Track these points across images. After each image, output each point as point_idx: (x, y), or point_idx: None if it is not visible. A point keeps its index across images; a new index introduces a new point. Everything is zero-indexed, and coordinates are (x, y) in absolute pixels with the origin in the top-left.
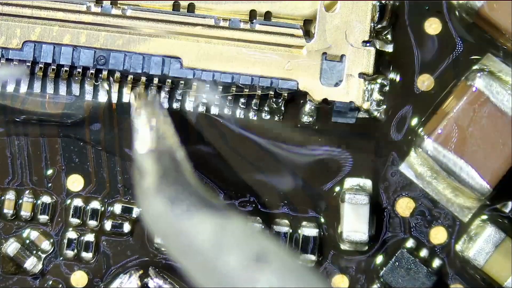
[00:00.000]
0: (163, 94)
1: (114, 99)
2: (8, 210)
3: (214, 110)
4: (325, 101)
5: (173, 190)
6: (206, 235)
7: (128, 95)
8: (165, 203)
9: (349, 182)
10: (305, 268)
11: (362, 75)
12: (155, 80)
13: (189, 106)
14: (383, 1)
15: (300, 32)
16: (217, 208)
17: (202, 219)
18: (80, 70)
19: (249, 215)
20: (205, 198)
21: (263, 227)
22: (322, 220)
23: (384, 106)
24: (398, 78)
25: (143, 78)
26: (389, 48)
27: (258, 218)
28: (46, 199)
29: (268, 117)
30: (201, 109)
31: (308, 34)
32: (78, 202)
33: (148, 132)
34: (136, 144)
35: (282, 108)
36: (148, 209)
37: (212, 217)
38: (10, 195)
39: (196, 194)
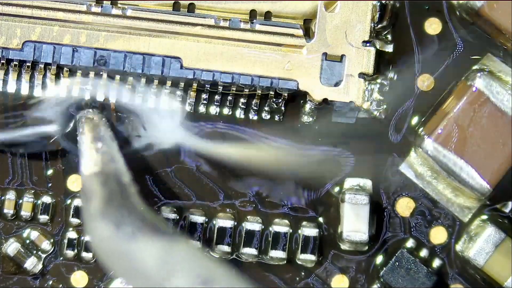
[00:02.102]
0: (163, 94)
1: (113, 99)
2: (8, 210)
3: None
4: (325, 101)
5: (119, 213)
6: (152, 259)
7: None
8: (111, 226)
9: (349, 182)
10: None
11: (362, 75)
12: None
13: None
14: (383, 1)
15: (300, 32)
16: (163, 232)
17: (147, 243)
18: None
19: (250, 215)
20: (151, 222)
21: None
22: (322, 220)
23: (384, 106)
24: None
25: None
26: (389, 48)
27: (258, 218)
28: (46, 199)
29: (268, 117)
30: (203, 109)
31: (308, 34)
32: (78, 202)
33: (94, 154)
34: (82, 166)
35: (282, 108)
36: (93, 232)
37: (158, 241)
38: (10, 195)
39: (141, 218)
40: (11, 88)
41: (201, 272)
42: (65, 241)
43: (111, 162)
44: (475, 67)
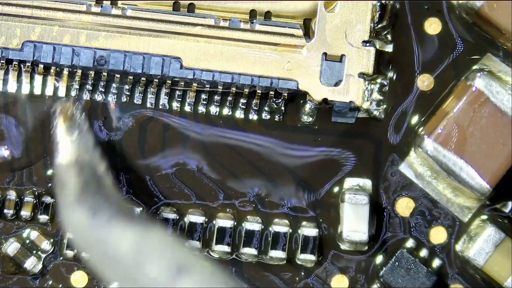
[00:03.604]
0: (162, 94)
1: (113, 98)
2: (8, 210)
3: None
4: (325, 101)
5: (94, 201)
6: (127, 246)
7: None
8: (86, 214)
9: (349, 182)
10: (226, 279)
11: (362, 75)
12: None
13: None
14: (383, 1)
15: (300, 32)
16: (138, 220)
17: (123, 230)
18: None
19: (249, 215)
20: (126, 210)
21: (183, 239)
22: (322, 220)
23: (384, 106)
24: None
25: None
26: (389, 48)
27: (258, 218)
28: (46, 199)
29: (268, 117)
30: (202, 109)
31: (308, 34)
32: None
33: (70, 144)
34: (58, 155)
35: (282, 108)
36: (69, 220)
37: (133, 228)
38: (11, 195)
39: (117, 206)
40: (11, 88)
41: (175, 260)
42: (65, 241)
43: (86, 151)
44: (475, 67)
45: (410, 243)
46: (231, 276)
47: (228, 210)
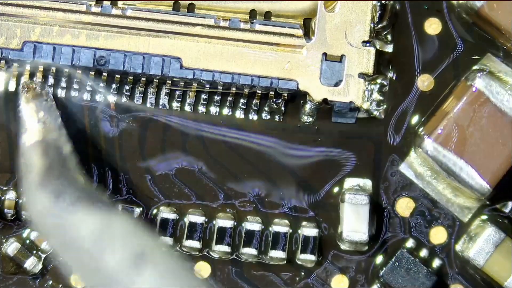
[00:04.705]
0: (163, 95)
1: (113, 98)
2: (8, 210)
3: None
4: (325, 101)
5: (59, 184)
6: (89, 231)
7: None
8: (50, 197)
9: (349, 182)
10: (185, 268)
11: (362, 75)
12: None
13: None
14: (383, 1)
15: (300, 32)
16: (103, 204)
17: (86, 215)
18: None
19: (249, 215)
20: (91, 194)
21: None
22: (322, 220)
23: (384, 106)
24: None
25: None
26: (389, 48)
27: (258, 218)
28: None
29: (268, 117)
30: (202, 109)
31: (308, 34)
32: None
33: (35, 124)
34: (23, 136)
35: (282, 108)
36: (32, 203)
37: (97, 213)
38: (10, 195)
39: (81, 190)
40: (11, 87)
41: (136, 247)
42: None
43: (52, 132)
44: (475, 67)
45: (410, 243)
46: (191, 270)
47: (228, 210)
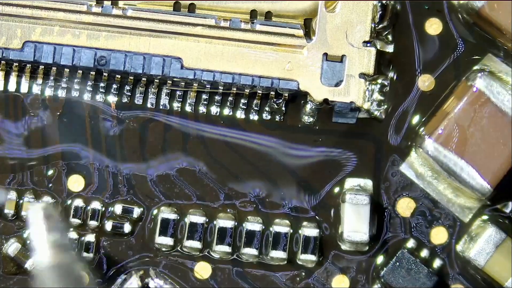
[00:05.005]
0: (163, 95)
1: (114, 98)
2: (9, 211)
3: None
4: (325, 101)
5: None
6: None
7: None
8: None
9: (350, 182)
10: None
11: (362, 75)
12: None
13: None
14: (384, 1)
15: (300, 32)
16: None
17: None
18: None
19: (250, 215)
20: None
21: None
22: (323, 220)
23: (385, 106)
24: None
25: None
26: (390, 48)
27: (258, 218)
28: (47, 199)
29: (269, 117)
30: (203, 110)
31: (308, 34)
32: (78, 202)
33: (47, 247)
34: (34, 258)
35: (283, 108)
36: None
37: None
38: (11, 195)
39: None
40: (11, 87)
41: None
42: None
43: (63, 254)
44: (475, 67)
45: (411, 243)
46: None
47: (228, 210)
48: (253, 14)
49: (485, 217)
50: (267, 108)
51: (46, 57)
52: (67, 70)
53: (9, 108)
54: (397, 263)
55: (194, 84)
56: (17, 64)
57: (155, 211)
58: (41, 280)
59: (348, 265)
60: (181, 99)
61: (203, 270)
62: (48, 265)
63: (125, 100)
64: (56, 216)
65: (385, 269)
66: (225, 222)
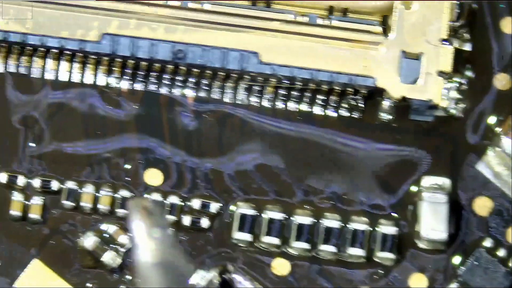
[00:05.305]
0: (241, 89)
1: (191, 93)
2: (86, 204)
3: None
4: (403, 98)
5: None
6: None
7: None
8: None
9: (427, 181)
10: None
11: (440, 73)
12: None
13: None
14: (461, 0)
15: (378, 29)
16: None
17: None
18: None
19: (328, 212)
20: None
21: None
22: (400, 218)
23: (462, 105)
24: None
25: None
26: (467, 47)
27: (336, 215)
28: (124, 193)
29: (346, 114)
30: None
31: (386, 31)
32: (156, 196)
33: (151, 244)
34: (138, 257)
35: (361, 105)
36: None
37: None
38: (88, 189)
39: None
40: (88, 80)
41: None
42: None
43: (167, 250)
44: None
45: (488, 243)
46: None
47: (306, 207)
48: (331, 10)
49: None
50: (344, 105)
51: (123, 50)
52: (144, 63)
53: (85, 101)
54: (475, 263)
55: (272, 79)
56: (94, 56)
57: (232, 207)
58: (145, 278)
59: (425, 263)
60: (258, 94)
61: (281, 266)
62: (152, 263)
63: (202, 94)
64: (159, 211)
65: (462, 268)
66: (303, 218)
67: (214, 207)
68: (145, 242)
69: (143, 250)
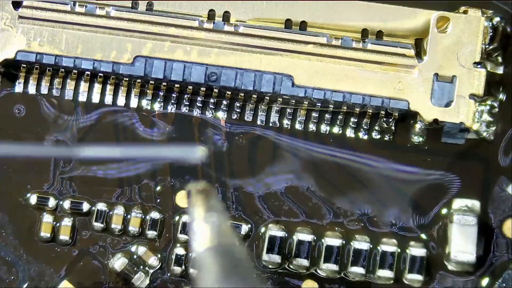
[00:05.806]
0: (273, 112)
1: (223, 115)
2: (116, 225)
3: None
4: (435, 121)
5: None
6: None
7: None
8: None
9: (458, 203)
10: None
11: (472, 96)
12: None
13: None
14: (495, 23)
15: (412, 52)
16: None
17: None
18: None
19: (358, 233)
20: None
21: None
22: (430, 240)
23: (494, 128)
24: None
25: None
26: (500, 70)
27: (366, 237)
28: (154, 214)
29: (378, 136)
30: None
31: (419, 54)
32: (186, 218)
33: (206, 229)
34: (194, 242)
35: (393, 127)
36: None
37: None
38: (119, 210)
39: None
40: (120, 102)
41: None
42: (173, 257)
43: (224, 235)
44: None
45: None
46: None
47: (336, 228)
48: (364, 33)
49: None
50: (376, 127)
51: (156, 72)
52: (177, 85)
53: (118, 123)
54: (503, 284)
55: (305, 102)
56: (127, 79)
57: (262, 229)
58: (201, 262)
59: (454, 286)
60: (291, 117)
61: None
62: (208, 247)
63: (234, 116)
64: (216, 196)
65: None
66: (332, 240)
67: (244, 229)
68: (202, 226)
69: (199, 234)
